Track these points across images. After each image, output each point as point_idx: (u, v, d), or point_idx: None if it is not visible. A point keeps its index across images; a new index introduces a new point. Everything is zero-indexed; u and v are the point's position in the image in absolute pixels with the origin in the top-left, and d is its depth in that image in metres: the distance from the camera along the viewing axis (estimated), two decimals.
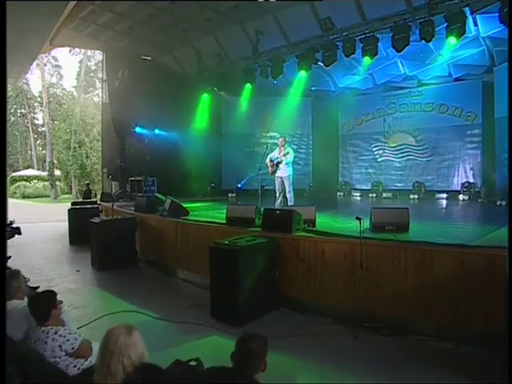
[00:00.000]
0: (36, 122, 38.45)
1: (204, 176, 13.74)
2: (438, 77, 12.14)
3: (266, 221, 5.63)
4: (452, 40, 8.15)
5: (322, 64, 10.08)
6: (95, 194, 14.77)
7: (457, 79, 11.98)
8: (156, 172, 12.64)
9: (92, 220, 7.74)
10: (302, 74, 10.70)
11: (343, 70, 12.40)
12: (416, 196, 12.41)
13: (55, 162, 26.59)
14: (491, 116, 10.94)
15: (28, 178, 29.32)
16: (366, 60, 9.49)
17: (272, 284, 5.14)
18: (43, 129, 33.53)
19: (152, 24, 11.47)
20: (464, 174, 12.29)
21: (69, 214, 10.16)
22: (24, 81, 35.43)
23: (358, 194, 13.86)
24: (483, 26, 9.05)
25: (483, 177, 11.72)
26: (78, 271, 7.36)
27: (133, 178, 13.08)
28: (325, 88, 13.88)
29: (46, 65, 33.61)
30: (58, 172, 27.24)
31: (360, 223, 4.45)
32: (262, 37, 11.40)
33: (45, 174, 27.84)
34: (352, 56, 9.81)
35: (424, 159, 13.05)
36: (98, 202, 11.51)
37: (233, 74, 12.39)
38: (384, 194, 12.94)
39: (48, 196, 26.65)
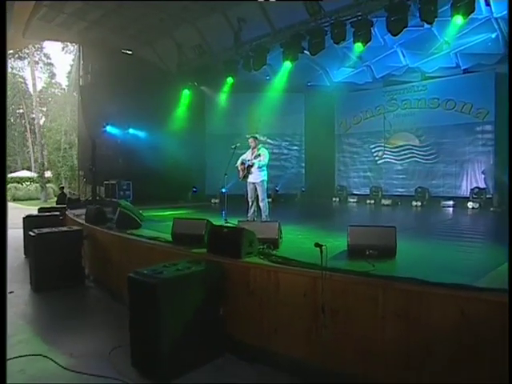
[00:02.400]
0: (35, 122, 37.80)
1: (185, 180, 12.68)
2: (444, 68, 10.86)
3: (211, 241, 4.41)
4: (458, 19, 6.87)
5: (307, 53, 8.84)
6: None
7: (466, 71, 10.70)
8: (132, 175, 11.74)
9: (29, 232, 6.61)
10: (288, 64, 9.57)
11: (337, 63, 11.21)
12: (419, 203, 11.09)
13: (45, 163, 25.70)
14: (505, 112, 9.52)
15: (20, 180, 28.53)
16: (358, 47, 8.29)
17: (214, 324, 3.93)
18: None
19: (126, 14, 10.48)
20: (474, 178, 11.01)
21: (24, 222, 9.02)
22: (21, 80, 34.87)
23: (354, 200, 12.66)
24: (497, 5, 7.70)
25: (496, 182, 10.38)
26: (10, 293, 6.22)
27: (108, 182, 12.08)
28: (318, 83, 12.83)
29: (38, 63, 32.81)
30: (49, 173, 26.36)
31: (321, 251, 3.19)
32: (245, 25, 10.30)
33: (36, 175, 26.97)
34: (343, 43, 8.64)
35: (428, 162, 11.83)
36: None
37: (214, 67, 11.32)
38: (383, 201, 11.65)
39: (39, 199, 25.77)
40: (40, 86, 36.28)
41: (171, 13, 10.44)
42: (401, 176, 12.34)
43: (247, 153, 7.32)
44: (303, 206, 12.35)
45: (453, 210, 10.34)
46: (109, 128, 11.12)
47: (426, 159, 11.82)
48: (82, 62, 12.72)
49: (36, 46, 30.50)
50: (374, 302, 3.16)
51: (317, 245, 3.20)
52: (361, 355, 3.23)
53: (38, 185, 26.75)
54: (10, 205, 23.63)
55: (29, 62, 27.43)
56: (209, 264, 4.03)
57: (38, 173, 25.51)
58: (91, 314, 5.43)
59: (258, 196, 7.13)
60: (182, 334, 3.59)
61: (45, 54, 33.08)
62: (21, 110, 37.26)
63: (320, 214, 10.14)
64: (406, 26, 7.33)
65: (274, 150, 13.91)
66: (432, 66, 10.82)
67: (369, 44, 8.24)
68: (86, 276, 6.80)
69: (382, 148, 12.70)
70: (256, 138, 7.19)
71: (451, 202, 10.77)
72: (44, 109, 35.62)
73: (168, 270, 3.71)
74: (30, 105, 34.39)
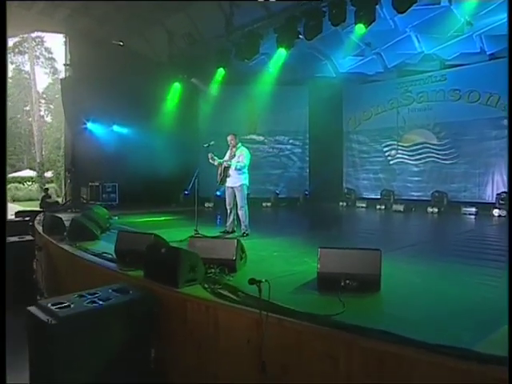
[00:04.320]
0: (39, 119, 38.00)
1: (176, 181, 11.92)
2: (466, 54, 9.80)
3: (148, 263, 3.64)
4: None
5: (303, 37, 8.01)
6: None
7: (492, 56, 9.62)
8: (119, 176, 11.22)
9: None
10: (282, 52, 8.81)
11: (343, 51, 10.30)
12: (435, 209, 10.07)
13: (44, 162, 25.48)
14: None
15: (22, 180, 28.48)
16: (360, 28, 7.44)
17: (142, 370, 3.19)
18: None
19: (111, 1, 9.92)
20: (501, 181, 9.94)
21: None
22: (26, 76, 34.99)
23: (363, 205, 11.75)
24: None
25: None
26: None
27: (92, 184, 11.54)
28: (323, 74, 11.86)
29: (38, 57, 32.76)
30: (50, 173, 26.14)
31: (259, 289, 2.37)
32: (238, 10, 9.50)
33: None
34: (344, 26, 7.81)
35: (447, 162, 10.80)
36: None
37: (205, 58, 10.63)
38: (395, 206, 10.67)
39: (39, 200, 25.60)
40: (47, 82, 36.46)
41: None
42: (416, 178, 11.39)
43: (227, 152, 6.55)
44: (304, 212, 11.57)
45: (475, 219, 9.28)
46: (90, 124, 10.50)
47: (445, 159, 10.82)
48: (68, 53, 12.23)
49: (36, 39, 30.43)
50: (333, 364, 2.32)
51: (252, 281, 2.38)
52: None
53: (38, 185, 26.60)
54: (8, 206, 23.53)
55: (29, 57, 27.30)
56: (140, 293, 3.29)
57: (38, 172, 25.30)
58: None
59: (235, 202, 6.33)
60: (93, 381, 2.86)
61: (46, 49, 32.99)
62: (27, 107, 37.42)
63: (319, 222, 9.30)
64: (416, 2, 6.41)
65: (275, 149, 13.27)
66: (452, 51, 9.80)
67: (374, 25, 7.38)
68: (41, 293, 6.14)
69: (395, 147, 11.86)
70: (235, 135, 6.39)
71: (473, 209, 9.68)
72: (52, 106, 35.72)
73: (78, 303, 3.00)
74: (38, 102, 34.49)
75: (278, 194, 12.69)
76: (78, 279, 4.79)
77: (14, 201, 25.47)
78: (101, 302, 2.98)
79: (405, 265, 4.26)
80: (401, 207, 10.48)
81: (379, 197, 11.64)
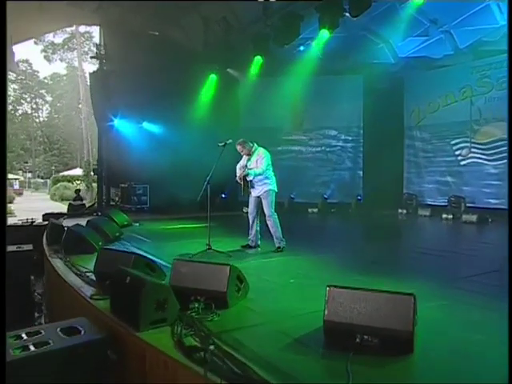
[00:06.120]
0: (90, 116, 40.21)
1: (212, 183, 11.52)
2: None
3: (113, 295, 3.11)
4: None
5: (348, 15, 7.19)
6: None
7: None
8: (149, 177, 11.03)
9: None
10: (325, 34, 8.07)
11: (402, 31, 9.39)
12: None
13: (91, 160, 26.57)
14: None
15: (71, 179, 30.03)
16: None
17: None
18: None
19: None
20: None
21: None
22: (78, 73, 37.04)
23: (427, 213, 10.68)
24: None
25: None
26: None
27: (124, 185, 11.51)
28: (380, 60, 11.09)
29: (87, 53, 34.22)
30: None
31: (205, 360, 1.67)
32: None
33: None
34: None
35: None
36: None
37: (242, 45, 10.21)
38: (465, 216, 9.41)
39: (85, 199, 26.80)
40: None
41: None
42: (494, 182, 10.15)
43: (242, 158, 6.01)
44: (355, 220, 10.74)
45: None
46: (118, 121, 10.41)
47: None
48: (102, 46, 12.37)
49: (85, 35, 31.95)
50: None
51: (191, 350, 1.69)
52: None
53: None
54: (56, 205, 24.78)
55: (78, 53, 28.73)
56: (96, 336, 2.78)
57: (84, 171, 26.45)
58: None
59: (259, 210, 5.81)
60: None
61: (94, 44, 34.64)
62: (80, 105, 39.67)
63: (371, 233, 8.36)
64: None
65: (323, 149, 12.60)
66: None
67: None
68: (40, 310, 5.95)
69: (468, 144, 10.85)
70: (243, 142, 5.79)
71: None
72: None
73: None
74: (85, 98, 36.39)
75: (326, 199, 11.98)
76: (63, 302, 4.43)
77: (62, 200, 26.87)
78: (33, 349, 2.47)
79: (469, 309, 3.31)
80: (473, 217, 9.18)
81: (446, 204, 10.61)
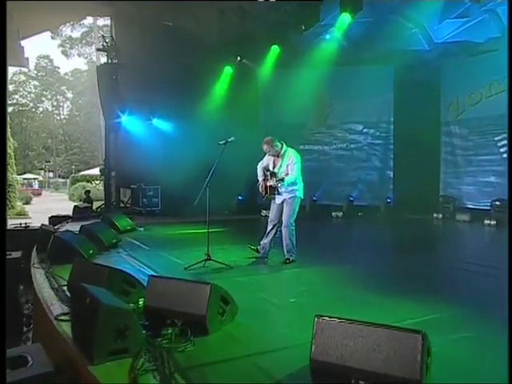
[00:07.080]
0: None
1: (228, 185, 11.09)
2: None
3: (74, 319, 2.70)
4: None
5: None
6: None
7: None
8: (161, 178, 10.67)
9: None
10: (346, 18, 7.49)
11: (438, 13, 8.75)
12: None
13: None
14: None
15: (91, 179, 30.27)
16: None
17: None
18: None
19: None
20: None
21: None
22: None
23: (466, 218, 10.05)
24: None
25: None
26: None
27: (134, 186, 11.22)
28: (413, 47, 10.42)
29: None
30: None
31: None
32: None
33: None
34: None
35: None
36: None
37: (259, 34, 9.88)
38: None
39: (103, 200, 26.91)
40: None
41: None
42: None
43: (265, 158, 5.53)
44: (384, 226, 10.16)
45: None
46: (126, 117, 10.09)
47: None
48: (110, 38, 12.18)
49: (104, 28, 32.08)
50: None
51: None
52: None
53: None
54: (72, 206, 24.90)
55: (96, 47, 28.94)
56: (45, 368, 2.31)
57: (101, 171, 26.46)
58: None
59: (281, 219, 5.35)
60: None
61: (102, 36, 34.99)
62: None
63: (400, 241, 7.69)
64: None
65: (350, 146, 12.01)
66: None
67: None
68: (28, 323, 5.63)
69: None
70: (271, 141, 5.24)
71: None
72: None
73: None
74: None
75: (352, 201, 11.40)
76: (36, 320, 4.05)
77: (80, 201, 27.01)
78: None
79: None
80: None
81: (489, 208, 9.87)
